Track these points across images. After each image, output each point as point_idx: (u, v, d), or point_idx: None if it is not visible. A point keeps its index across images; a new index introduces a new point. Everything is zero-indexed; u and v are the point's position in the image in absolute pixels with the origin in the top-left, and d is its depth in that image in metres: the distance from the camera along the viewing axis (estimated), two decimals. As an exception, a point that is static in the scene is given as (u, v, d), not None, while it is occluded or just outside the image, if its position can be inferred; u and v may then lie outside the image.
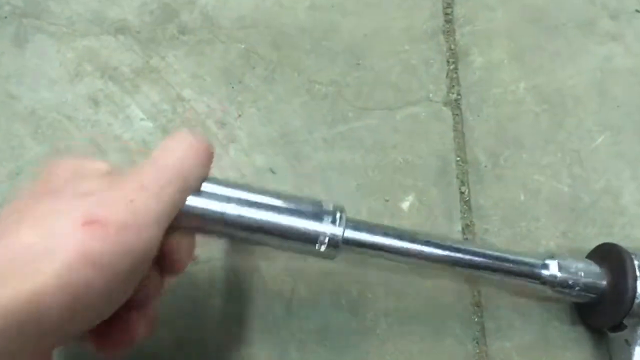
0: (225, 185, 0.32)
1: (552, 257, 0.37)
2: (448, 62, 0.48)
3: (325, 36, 0.48)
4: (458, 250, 0.36)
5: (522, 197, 0.44)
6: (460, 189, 0.44)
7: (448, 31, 0.49)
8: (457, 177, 0.44)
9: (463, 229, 0.43)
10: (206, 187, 0.31)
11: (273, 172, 0.44)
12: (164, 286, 0.31)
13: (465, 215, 0.43)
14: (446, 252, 0.35)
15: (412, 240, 0.35)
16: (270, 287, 0.41)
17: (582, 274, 0.37)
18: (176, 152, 0.29)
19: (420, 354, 0.40)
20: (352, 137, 0.45)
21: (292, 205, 0.33)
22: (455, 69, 0.47)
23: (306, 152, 0.45)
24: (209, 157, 0.30)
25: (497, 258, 0.36)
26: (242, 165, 0.44)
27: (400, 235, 0.35)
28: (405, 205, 0.43)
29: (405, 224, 0.43)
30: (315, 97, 0.46)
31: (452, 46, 0.48)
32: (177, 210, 0.28)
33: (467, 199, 0.44)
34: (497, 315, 0.41)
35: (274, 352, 0.39)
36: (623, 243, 0.39)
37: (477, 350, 0.40)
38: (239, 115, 0.46)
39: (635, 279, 0.35)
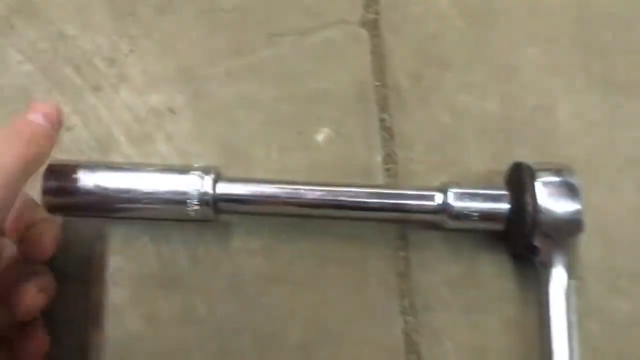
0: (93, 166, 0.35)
1: (447, 186, 0.35)
2: (364, -21, 0.43)
3: (226, -42, 0.43)
4: (342, 193, 0.35)
5: (448, 121, 0.40)
6: (380, 116, 0.40)
7: (362, -55, 0.44)
8: (377, 104, 0.41)
9: (384, 158, 0.39)
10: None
11: (172, 112, 0.40)
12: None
13: (387, 144, 0.40)
14: (328, 197, 0.35)
15: (292, 188, 0.35)
16: (176, 237, 0.37)
17: (482, 200, 0.34)
18: None
19: (341, 296, 0.37)
20: (259, 68, 0.41)
21: (159, 172, 0.35)
22: (373, -14, 0.43)
23: (209, 87, 0.41)
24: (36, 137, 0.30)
25: (385, 195, 0.35)
26: (136, 106, 0.40)
27: (278, 184, 0.35)
28: (320, 137, 0.40)
29: (321, 157, 0.39)
30: (218, 25, 0.42)
31: (368, -39, 0.43)
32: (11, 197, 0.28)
33: (389, 126, 0.40)
34: (423, 247, 0.37)
35: (179, 305, 0.36)
36: (555, 162, 0.35)
37: (403, 286, 0.37)
38: (131, 51, 0.41)
39: (534, 196, 0.32)
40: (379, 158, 0.39)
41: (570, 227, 0.32)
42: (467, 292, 0.37)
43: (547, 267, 0.33)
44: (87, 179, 0.34)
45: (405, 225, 0.38)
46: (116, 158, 0.39)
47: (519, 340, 0.36)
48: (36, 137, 0.30)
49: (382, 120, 0.40)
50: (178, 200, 0.34)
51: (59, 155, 0.37)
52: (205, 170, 0.35)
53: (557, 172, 0.33)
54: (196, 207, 0.34)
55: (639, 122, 0.40)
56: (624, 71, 0.41)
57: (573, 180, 0.33)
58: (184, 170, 0.35)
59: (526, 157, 0.38)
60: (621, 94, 0.41)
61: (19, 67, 0.40)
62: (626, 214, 0.38)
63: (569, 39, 0.42)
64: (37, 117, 0.31)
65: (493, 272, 0.38)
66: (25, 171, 0.28)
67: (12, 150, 0.28)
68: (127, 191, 0.35)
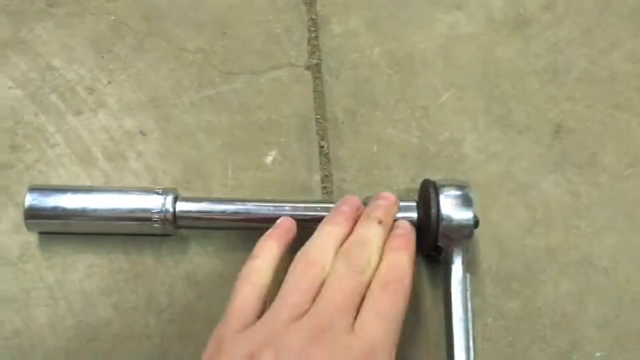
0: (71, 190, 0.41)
1: (367, 199, 0.41)
2: (309, 30, 0.51)
3: (193, 7, 0.51)
4: (281, 209, 0.41)
5: (376, 149, 0.48)
6: (320, 143, 0.48)
7: (309, 2, 0.53)
8: (317, 134, 0.48)
9: (322, 178, 0.47)
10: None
11: (143, 134, 0.47)
12: None
13: (325, 167, 0.47)
14: (271, 213, 0.41)
15: (240, 205, 0.41)
16: (143, 240, 0.43)
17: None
18: None
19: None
20: (219, 100, 0.48)
21: (126, 193, 0.41)
22: (316, 36, 0.51)
23: (175, 115, 0.47)
24: None
25: (313, 209, 0.41)
26: (111, 128, 0.46)
27: (228, 203, 0.41)
28: (268, 159, 0.47)
29: (269, 177, 0.46)
30: (184, 64, 0.49)
31: (313, 16, 0.52)
32: None
33: (327, 152, 0.48)
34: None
35: (144, 297, 0.42)
36: (455, 179, 0.44)
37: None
38: (109, 82, 0.48)
39: (437, 203, 0.40)
40: (317, 178, 0.47)
41: (465, 230, 0.40)
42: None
43: (448, 263, 0.41)
44: (67, 202, 0.40)
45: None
46: (94, 172, 0.45)
47: (428, 330, 0.43)
48: None
49: (321, 147, 0.48)
50: (143, 218, 0.40)
51: (45, 167, 0.43)
52: (166, 191, 0.41)
53: (456, 187, 0.41)
54: (158, 224, 0.40)
55: (528, 155, 0.49)
56: (518, 114, 0.50)
57: (468, 193, 0.41)
58: (148, 190, 0.41)
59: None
60: (515, 132, 0.49)
61: (10, 92, 0.46)
62: (517, 229, 0.47)
63: (475, 86, 0.51)
64: None
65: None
66: None
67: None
68: (101, 211, 0.40)
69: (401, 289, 0.35)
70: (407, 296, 0.35)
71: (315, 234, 0.37)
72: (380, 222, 0.38)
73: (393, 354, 0.33)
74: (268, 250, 0.36)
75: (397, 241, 0.38)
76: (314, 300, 0.33)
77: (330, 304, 0.33)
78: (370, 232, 0.37)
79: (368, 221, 0.38)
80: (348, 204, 0.39)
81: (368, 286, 0.35)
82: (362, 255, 0.36)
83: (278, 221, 0.39)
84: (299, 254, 0.36)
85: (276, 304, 0.33)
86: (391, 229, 0.39)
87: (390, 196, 0.40)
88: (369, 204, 0.40)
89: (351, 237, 0.37)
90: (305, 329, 0.32)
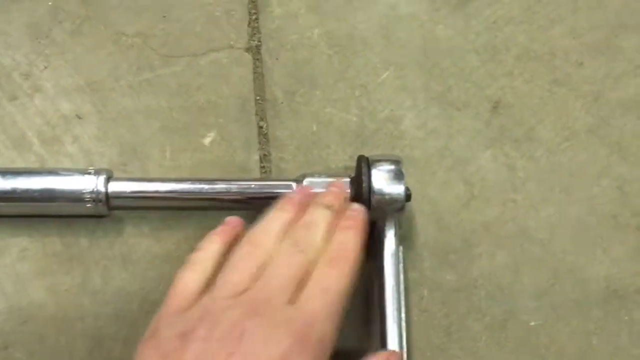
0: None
1: (302, 177, 0.42)
2: (250, 12, 0.52)
3: (131, -9, 0.51)
4: (214, 188, 0.42)
5: (315, 128, 0.48)
6: (259, 124, 0.48)
7: (249, -15, 0.53)
8: (257, 114, 0.48)
9: (260, 158, 0.47)
10: None
11: (79, 118, 0.47)
12: None
13: (263, 147, 0.47)
14: (203, 191, 0.42)
15: (173, 184, 0.42)
16: (77, 223, 0.43)
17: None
18: None
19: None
20: (157, 83, 0.48)
21: (59, 175, 0.41)
22: (257, 19, 0.52)
23: (112, 98, 0.48)
24: None
25: (249, 187, 0.42)
26: (47, 112, 0.46)
27: (161, 182, 0.42)
28: (207, 140, 0.47)
29: (208, 157, 0.47)
30: (122, 47, 0.49)
31: (253, -1, 0.52)
32: None
33: (265, 132, 0.48)
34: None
35: (78, 279, 0.42)
36: (388, 154, 0.44)
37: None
38: (45, 67, 0.48)
39: (369, 177, 0.40)
40: (256, 158, 0.47)
41: (397, 204, 0.41)
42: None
43: (381, 235, 0.41)
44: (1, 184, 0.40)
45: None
46: (29, 157, 0.45)
47: (363, 304, 0.44)
48: None
49: (260, 127, 0.48)
50: (75, 198, 0.40)
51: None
52: (98, 172, 0.41)
53: (388, 162, 0.42)
54: (90, 204, 0.40)
55: (466, 132, 0.49)
56: (457, 91, 0.51)
57: (400, 167, 0.41)
58: (80, 171, 0.41)
59: (377, 157, 0.46)
60: (454, 109, 0.50)
61: (-57, 77, 0.46)
62: (455, 204, 0.47)
63: (415, 65, 0.51)
64: None
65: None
66: None
67: None
68: (33, 192, 0.40)
69: (347, 264, 0.35)
70: (353, 272, 0.35)
71: (262, 218, 0.37)
72: (328, 207, 0.38)
73: (335, 327, 0.33)
74: (212, 243, 0.37)
75: (346, 221, 0.38)
76: (255, 282, 0.33)
77: (271, 280, 0.33)
78: (317, 215, 0.37)
79: (314, 206, 0.38)
80: (299, 192, 0.40)
81: (315, 266, 0.35)
82: (306, 235, 0.36)
83: (226, 219, 0.39)
84: (244, 237, 0.36)
85: (216, 285, 0.34)
86: (342, 213, 0.39)
87: (340, 184, 0.41)
88: (318, 193, 0.40)
89: (298, 222, 0.37)
90: (243, 303, 0.32)
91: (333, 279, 0.34)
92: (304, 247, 0.35)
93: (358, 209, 0.39)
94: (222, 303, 0.32)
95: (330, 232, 0.37)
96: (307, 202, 0.39)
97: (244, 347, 0.30)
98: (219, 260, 0.36)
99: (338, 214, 0.38)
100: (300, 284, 0.34)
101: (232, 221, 0.39)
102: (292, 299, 0.33)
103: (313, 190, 0.41)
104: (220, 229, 0.38)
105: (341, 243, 0.36)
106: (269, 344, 0.30)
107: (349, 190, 0.41)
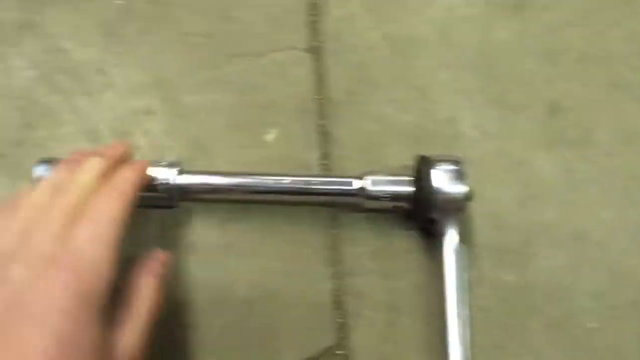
0: None
1: (365, 174, 0.43)
2: (310, 14, 0.53)
3: (198, -8, 0.52)
4: (280, 182, 0.43)
5: (375, 128, 0.49)
6: (319, 122, 0.49)
7: (310, -13, 0.54)
8: (316, 113, 0.50)
9: (321, 156, 0.48)
10: None
11: (149, 113, 0.49)
12: None
13: (323, 145, 0.49)
14: (269, 185, 0.43)
15: (241, 178, 0.43)
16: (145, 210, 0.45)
17: (391, 184, 0.43)
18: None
19: (280, 264, 0.45)
20: (222, 81, 0.50)
21: None
22: (317, 20, 0.53)
23: (180, 95, 0.49)
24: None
25: (311, 182, 0.43)
26: (119, 107, 0.48)
27: (230, 176, 0.43)
28: (269, 137, 0.49)
29: (270, 154, 0.48)
30: (189, 46, 0.51)
31: (314, 0, 0.54)
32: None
33: (326, 131, 0.49)
34: (351, 226, 0.46)
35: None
36: (449, 155, 0.45)
37: (333, 257, 0.45)
38: (117, 64, 0.50)
39: (431, 180, 0.41)
40: (316, 155, 0.48)
41: (458, 203, 0.42)
42: (384, 262, 0.46)
43: (443, 235, 0.42)
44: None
45: (336, 209, 0.47)
46: (101, 149, 0.47)
47: (424, 300, 0.45)
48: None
49: (320, 126, 0.50)
50: (149, 189, 0.42)
51: (54, 144, 0.45)
52: (172, 164, 0.43)
53: (450, 162, 0.43)
54: (163, 195, 0.42)
55: (523, 133, 0.50)
56: (514, 93, 0.51)
57: (461, 167, 0.42)
58: (154, 163, 0.43)
59: (435, 157, 0.47)
60: (511, 111, 0.51)
61: (24, 72, 0.48)
62: (513, 204, 0.48)
63: (472, 67, 0.52)
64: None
65: (406, 246, 0.46)
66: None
67: None
68: None
69: (117, 194, 0.35)
70: (125, 202, 0.35)
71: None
72: (97, 156, 0.38)
73: (111, 252, 0.33)
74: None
75: (122, 166, 0.38)
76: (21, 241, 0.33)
77: (34, 233, 0.33)
78: (87, 165, 0.37)
79: (86, 159, 0.38)
80: (75, 154, 0.39)
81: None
82: (69, 177, 0.36)
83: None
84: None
85: None
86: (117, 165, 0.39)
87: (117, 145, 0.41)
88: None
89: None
90: (5, 259, 0.32)
91: (103, 208, 0.34)
92: (69, 190, 0.35)
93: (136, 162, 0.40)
94: None
95: (99, 178, 0.36)
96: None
97: (9, 289, 0.30)
98: None
99: (110, 160, 0.38)
100: (70, 222, 0.33)
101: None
102: (62, 237, 0.32)
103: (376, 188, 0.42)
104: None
105: (113, 182, 0.37)
106: (35, 289, 0.30)
107: (121, 151, 0.40)
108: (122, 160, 0.39)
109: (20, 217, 0.33)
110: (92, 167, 0.37)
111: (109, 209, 0.34)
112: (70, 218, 0.33)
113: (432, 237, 0.45)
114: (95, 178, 0.36)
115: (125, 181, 0.37)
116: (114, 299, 0.33)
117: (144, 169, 0.39)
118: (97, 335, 0.31)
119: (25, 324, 0.29)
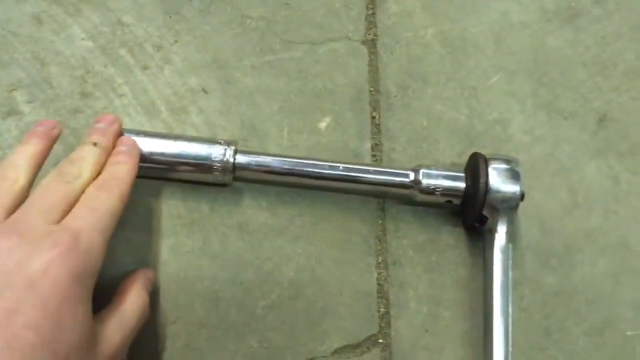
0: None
1: (419, 167, 0.43)
2: (367, 7, 0.53)
3: (258, -23, 0.53)
4: (335, 168, 0.43)
5: (425, 123, 0.50)
6: (372, 114, 0.50)
7: (368, -19, 0.54)
8: (370, 105, 0.50)
9: (372, 147, 0.49)
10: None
11: (205, 92, 0.49)
12: None
13: (375, 136, 0.49)
14: (324, 170, 0.43)
15: (296, 162, 0.43)
16: (200, 190, 0.45)
17: (445, 179, 0.43)
18: None
19: (328, 249, 0.45)
20: (278, 66, 0.50)
21: (189, 141, 0.43)
22: (373, 14, 0.53)
23: (236, 76, 0.50)
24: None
25: (366, 171, 0.44)
26: (176, 83, 0.49)
27: (286, 158, 0.43)
28: (322, 125, 0.49)
29: (322, 141, 0.48)
30: (247, 29, 0.51)
31: (371, -6, 0.54)
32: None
33: (378, 122, 0.50)
34: (398, 218, 0.47)
35: (199, 242, 0.44)
36: (504, 154, 0.45)
37: (379, 247, 0.46)
38: (175, 42, 0.50)
39: (486, 175, 0.42)
40: (368, 146, 0.49)
41: (511, 202, 0.42)
42: (429, 255, 0.46)
43: (492, 232, 0.43)
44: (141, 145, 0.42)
45: (385, 200, 0.47)
46: (157, 124, 0.47)
47: (466, 295, 0.45)
48: None
49: (373, 117, 0.50)
50: (205, 165, 0.42)
51: (112, 113, 0.46)
52: (228, 143, 0.43)
53: (505, 161, 0.43)
54: (218, 173, 0.42)
55: (572, 141, 0.50)
56: (565, 101, 0.52)
57: (516, 167, 0.43)
58: (211, 141, 0.43)
59: (484, 156, 0.47)
60: (561, 118, 0.51)
61: (82, 43, 0.49)
62: (559, 209, 0.48)
63: (524, 72, 0.53)
64: None
65: (451, 241, 0.47)
66: None
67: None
68: (166, 155, 0.42)
69: (116, 187, 0.36)
70: (122, 196, 0.36)
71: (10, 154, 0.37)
72: (95, 144, 0.39)
73: (104, 240, 0.34)
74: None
75: (118, 157, 0.39)
76: (9, 213, 0.34)
77: (30, 207, 0.34)
78: (83, 152, 0.38)
79: (82, 145, 0.39)
80: (42, 124, 0.39)
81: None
82: (71, 168, 0.37)
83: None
84: None
85: None
86: (112, 148, 0.40)
87: (108, 117, 0.41)
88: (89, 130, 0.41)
89: (65, 158, 0.38)
90: None
91: (101, 199, 0.35)
92: (68, 179, 0.36)
93: (129, 143, 0.40)
94: None
95: (97, 167, 0.38)
96: (53, 133, 0.39)
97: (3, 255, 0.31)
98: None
99: (107, 150, 0.39)
100: (67, 210, 0.34)
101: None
102: (58, 221, 0.33)
103: (429, 181, 0.43)
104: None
105: (111, 173, 0.38)
106: (29, 258, 0.31)
107: (116, 126, 0.41)
108: (118, 135, 0.41)
109: (4, 188, 0.34)
110: (88, 155, 0.38)
111: (107, 202, 0.35)
112: (67, 205, 0.34)
113: (477, 235, 0.45)
114: (92, 169, 0.37)
115: (122, 176, 0.38)
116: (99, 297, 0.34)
117: (136, 158, 0.40)
118: (83, 314, 0.31)
119: (15, 290, 0.30)
